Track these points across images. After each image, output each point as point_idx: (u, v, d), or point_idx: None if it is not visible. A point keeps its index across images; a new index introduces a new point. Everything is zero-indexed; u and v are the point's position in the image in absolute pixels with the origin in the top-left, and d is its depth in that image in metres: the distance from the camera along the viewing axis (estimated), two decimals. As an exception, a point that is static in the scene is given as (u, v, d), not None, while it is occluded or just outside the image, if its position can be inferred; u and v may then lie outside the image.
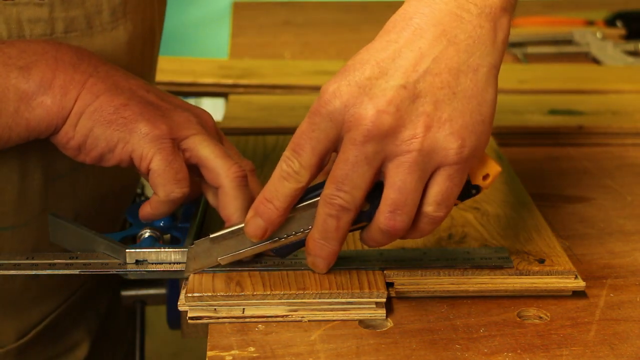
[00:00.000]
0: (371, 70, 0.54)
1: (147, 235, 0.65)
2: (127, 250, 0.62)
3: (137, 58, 0.72)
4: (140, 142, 0.59)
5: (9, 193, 0.67)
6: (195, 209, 0.67)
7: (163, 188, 0.59)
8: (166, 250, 0.62)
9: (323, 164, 0.56)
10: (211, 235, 0.60)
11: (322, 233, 0.57)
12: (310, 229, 0.58)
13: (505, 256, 0.64)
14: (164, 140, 0.59)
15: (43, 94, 0.59)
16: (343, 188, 0.55)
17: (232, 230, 0.60)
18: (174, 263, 0.62)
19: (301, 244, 0.60)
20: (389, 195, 0.55)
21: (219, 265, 0.61)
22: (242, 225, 0.59)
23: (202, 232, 0.67)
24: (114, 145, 0.60)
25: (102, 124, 0.59)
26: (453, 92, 0.54)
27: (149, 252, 0.62)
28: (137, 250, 0.62)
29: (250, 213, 0.58)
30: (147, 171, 0.60)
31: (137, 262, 0.62)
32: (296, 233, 0.59)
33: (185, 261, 0.62)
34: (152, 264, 0.62)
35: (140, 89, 0.62)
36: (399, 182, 0.54)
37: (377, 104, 0.53)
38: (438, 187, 0.55)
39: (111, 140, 0.59)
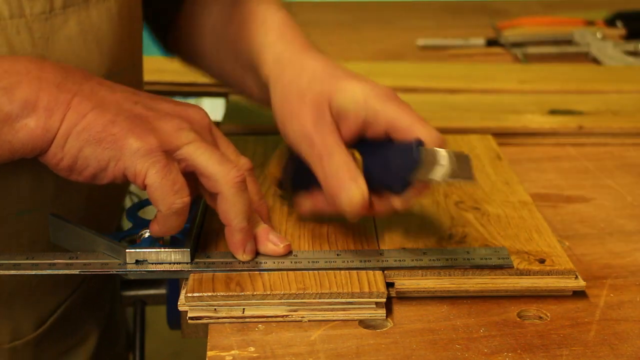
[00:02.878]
0: None
1: (147, 235, 0.65)
2: (127, 250, 0.62)
3: (127, 30, 0.72)
4: (132, 159, 0.58)
5: (25, 176, 0.67)
6: (195, 209, 0.68)
7: (163, 202, 0.59)
8: (166, 250, 0.62)
9: None
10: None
11: None
12: None
13: (505, 256, 0.64)
14: (156, 153, 0.58)
15: (27, 116, 0.58)
16: None
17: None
18: (174, 263, 0.62)
19: None
20: None
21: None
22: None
23: (202, 233, 0.67)
24: (105, 164, 0.59)
25: (91, 143, 0.58)
26: None
27: (149, 252, 0.62)
28: (137, 250, 0.62)
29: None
30: (143, 187, 0.59)
31: (137, 262, 0.62)
32: None
33: (185, 261, 0.62)
34: (152, 264, 0.62)
35: (127, 100, 0.61)
36: None
37: None
38: None
39: (102, 160, 0.58)
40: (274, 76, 0.68)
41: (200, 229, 0.67)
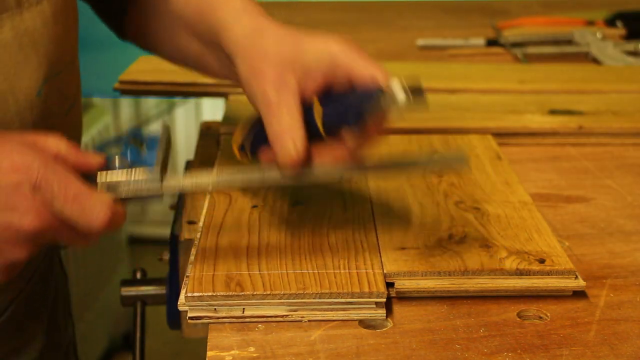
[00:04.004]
0: None
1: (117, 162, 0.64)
2: (98, 172, 0.61)
3: (62, 30, 0.72)
4: None
5: None
6: (160, 140, 0.66)
7: None
8: (136, 170, 0.61)
9: None
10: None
11: None
12: None
13: (462, 156, 0.66)
14: None
15: None
16: None
17: None
18: (145, 181, 0.61)
19: None
20: None
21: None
22: None
23: (169, 160, 0.67)
24: None
25: None
26: None
27: (117, 172, 0.61)
28: (107, 171, 0.61)
29: None
30: None
31: (109, 187, 0.61)
32: None
33: (157, 182, 0.62)
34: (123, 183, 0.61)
35: None
36: None
37: None
38: None
39: None
40: (241, 46, 0.70)
41: (167, 154, 0.66)
